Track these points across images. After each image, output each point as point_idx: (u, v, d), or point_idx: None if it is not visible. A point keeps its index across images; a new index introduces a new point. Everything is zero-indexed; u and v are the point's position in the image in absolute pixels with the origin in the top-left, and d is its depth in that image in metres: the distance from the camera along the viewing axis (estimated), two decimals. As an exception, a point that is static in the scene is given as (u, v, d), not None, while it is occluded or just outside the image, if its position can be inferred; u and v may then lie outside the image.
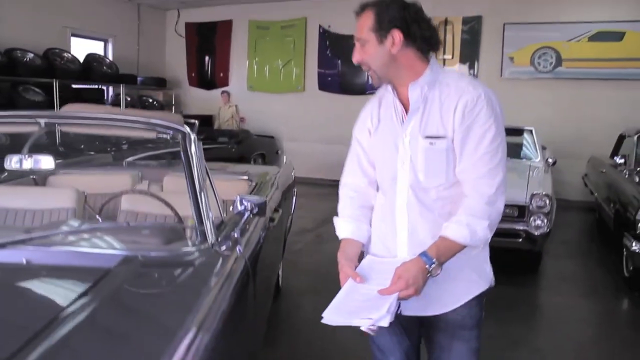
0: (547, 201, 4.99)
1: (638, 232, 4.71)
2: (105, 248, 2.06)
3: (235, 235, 2.34)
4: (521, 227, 5.05)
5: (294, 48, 11.19)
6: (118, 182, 4.01)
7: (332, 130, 10.89)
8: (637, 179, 5.51)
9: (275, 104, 11.43)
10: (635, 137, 6.28)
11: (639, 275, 4.99)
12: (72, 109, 3.17)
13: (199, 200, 2.33)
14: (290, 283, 4.94)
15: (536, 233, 5.00)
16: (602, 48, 9.09)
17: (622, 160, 6.24)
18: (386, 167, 1.93)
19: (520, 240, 5.07)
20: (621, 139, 7.41)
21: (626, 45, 8.98)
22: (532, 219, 5.02)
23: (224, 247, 2.18)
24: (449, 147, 1.79)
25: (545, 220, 4.99)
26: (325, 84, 11.04)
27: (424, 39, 1.82)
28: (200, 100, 12.04)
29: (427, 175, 1.82)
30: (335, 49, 10.85)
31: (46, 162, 2.69)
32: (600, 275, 5.61)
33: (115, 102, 10.55)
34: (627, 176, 5.79)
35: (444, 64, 10.11)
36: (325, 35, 10.90)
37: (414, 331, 2.02)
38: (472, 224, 1.73)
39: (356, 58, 1.96)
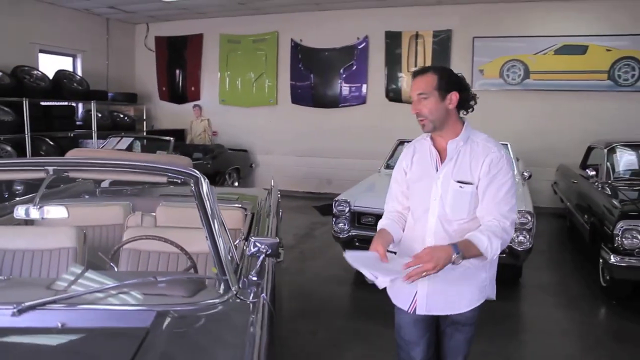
0: (530, 217, 5.15)
1: (615, 245, 4.92)
2: (136, 305, 2.04)
3: (256, 280, 2.37)
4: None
5: (266, 62, 11.21)
6: (110, 214, 3.99)
7: (306, 143, 11.00)
8: (609, 192, 5.75)
9: (248, 117, 11.43)
10: (605, 150, 6.53)
11: (616, 285, 5.21)
12: (77, 154, 3.14)
13: (219, 249, 2.36)
14: (278, 306, 4.95)
15: (519, 249, 5.15)
16: (567, 61, 9.42)
17: (594, 173, 6.48)
18: (421, 200, 2.43)
19: (504, 255, 5.21)
20: (589, 150, 7.69)
21: (589, 58, 9.33)
22: (515, 235, 5.17)
23: (249, 295, 2.20)
24: (474, 192, 2.34)
25: (528, 236, 5.15)
26: (298, 98, 11.10)
27: (466, 102, 2.39)
28: (172, 114, 11.95)
29: (453, 210, 2.35)
30: (308, 63, 10.93)
31: (58, 212, 2.68)
32: (578, 285, 5.82)
33: (86, 119, 10.38)
34: (599, 189, 6.01)
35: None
36: (297, 49, 10.97)
37: (433, 326, 2.54)
38: (491, 237, 2.23)
39: (416, 109, 2.38)
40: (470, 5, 9.72)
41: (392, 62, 10.40)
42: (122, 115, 11.13)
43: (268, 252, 2.61)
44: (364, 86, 10.68)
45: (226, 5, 10.29)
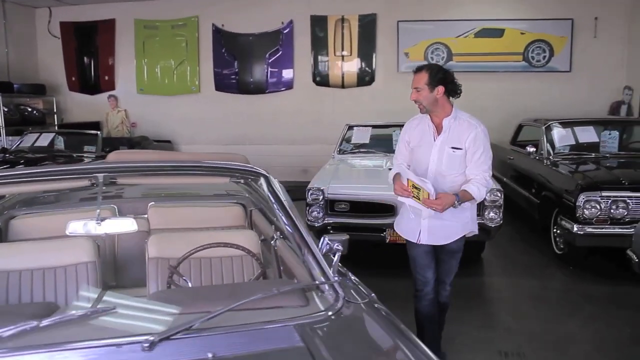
0: (499, 194, 5.41)
1: (577, 215, 5.31)
2: (270, 322, 1.87)
3: (345, 280, 2.29)
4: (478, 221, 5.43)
5: (186, 48, 10.76)
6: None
7: (233, 131, 10.74)
8: (560, 167, 6.18)
9: (169, 106, 10.94)
10: (544, 128, 7.00)
11: (573, 252, 5.64)
12: (118, 157, 2.84)
13: (313, 250, 2.26)
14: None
15: (492, 225, 5.40)
16: (486, 43, 9.94)
17: (534, 149, 6.93)
18: (422, 161, 3.36)
19: (476, 233, 5.45)
20: (520, 127, 8.20)
21: (506, 41, 9.91)
22: (486, 212, 5.41)
23: (354, 296, 2.13)
24: (462, 154, 3.27)
25: (499, 212, 5.41)
26: (222, 84, 10.78)
27: (453, 91, 3.30)
28: (84, 106, 11.14)
29: (448, 167, 3.27)
30: (231, 48, 10.63)
31: (127, 224, 2.41)
32: (532, 255, 6.22)
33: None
34: (549, 165, 6.44)
35: (343, 59, 10.41)
36: (219, 34, 10.62)
37: (434, 256, 3.43)
38: (479, 186, 3.20)
39: (414, 97, 3.32)
40: (393, -11, 9.94)
41: (319, 46, 10.39)
42: (29, 109, 10.20)
43: (339, 248, 2.54)
44: (291, 71, 10.58)
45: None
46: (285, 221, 2.35)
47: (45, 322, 1.71)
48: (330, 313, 1.94)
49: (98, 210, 2.28)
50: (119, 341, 1.68)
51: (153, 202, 3.86)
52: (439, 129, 3.32)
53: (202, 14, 10.60)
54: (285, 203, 2.41)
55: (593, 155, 6.54)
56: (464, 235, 3.43)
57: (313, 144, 10.52)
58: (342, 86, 10.50)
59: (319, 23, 10.27)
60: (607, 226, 5.29)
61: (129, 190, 4.50)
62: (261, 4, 10.33)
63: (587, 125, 7.02)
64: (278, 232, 3.23)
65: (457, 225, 3.39)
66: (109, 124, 10.57)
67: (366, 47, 10.30)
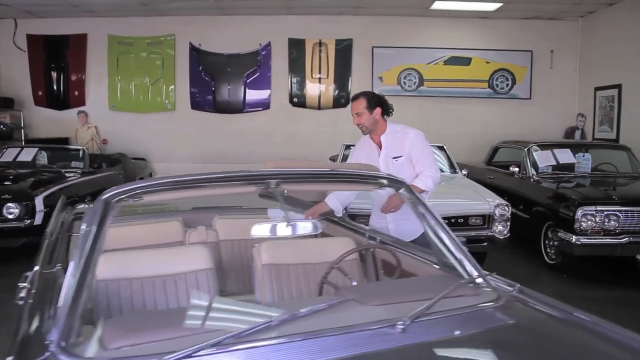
0: (507, 209, 5.89)
1: (575, 227, 5.87)
2: (472, 307, 2.11)
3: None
4: (486, 233, 5.88)
5: (162, 65, 10.73)
6: (168, 231, 3.69)
7: (208, 148, 10.79)
8: (553, 186, 6.77)
9: (143, 124, 10.82)
10: (526, 150, 7.61)
11: (567, 261, 6.20)
12: (276, 165, 2.97)
13: (464, 249, 2.53)
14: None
15: (500, 237, 5.87)
16: (454, 71, 10.61)
17: (517, 169, 7.53)
18: None
19: (486, 244, 5.90)
20: (496, 149, 8.84)
21: (473, 69, 10.63)
22: (494, 225, 5.87)
23: (490, 280, 2.40)
24: (405, 160, 3.74)
25: (506, 225, 5.89)
26: (198, 103, 10.82)
27: (386, 111, 3.87)
28: (51, 121, 10.79)
29: (398, 174, 3.21)
30: (208, 68, 10.72)
31: (307, 227, 2.54)
32: (526, 265, 6.74)
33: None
34: (536, 183, 7.03)
35: (320, 82, 10.75)
36: (196, 53, 10.68)
37: None
38: (424, 180, 3.64)
39: (356, 121, 3.80)
40: (369, 16, 10.42)
41: (296, 68, 10.69)
42: (-4, 123, 9.79)
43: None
44: (268, 92, 10.80)
45: (126, 6, 9.66)
46: (432, 222, 2.59)
47: (280, 318, 1.88)
48: (504, 299, 2.22)
49: (277, 214, 2.43)
50: (372, 327, 1.89)
51: (218, 215, 3.95)
52: (379, 145, 3.84)
53: (179, 32, 10.64)
54: (429, 207, 2.67)
55: (572, 174, 7.22)
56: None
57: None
58: (319, 107, 10.82)
59: (296, 46, 10.59)
60: (600, 237, 5.90)
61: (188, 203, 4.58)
62: (239, 25, 10.52)
63: (564, 147, 7.73)
64: (367, 238, 3.41)
65: (417, 221, 3.76)
66: (78, 140, 10.29)
67: (342, 70, 10.70)
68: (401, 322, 1.86)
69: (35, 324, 2.04)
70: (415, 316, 1.91)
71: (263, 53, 10.67)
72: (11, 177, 7.32)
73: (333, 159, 8.99)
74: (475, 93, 10.69)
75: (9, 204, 6.44)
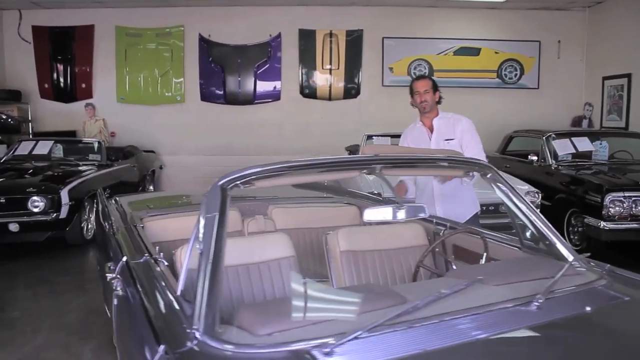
0: (538, 195, 5.98)
1: (603, 213, 5.98)
2: (580, 287, 2.16)
3: None
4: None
5: (171, 57, 10.63)
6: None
7: (218, 140, 10.75)
8: (573, 172, 6.87)
9: (152, 116, 10.73)
10: (544, 139, 7.70)
11: (592, 247, 6.29)
12: (374, 150, 2.98)
13: (557, 233, 2.58)
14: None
15: (533, 224, 5.94)
16: (464, 61, 10.68)
17: (535, 158, 7.62)
18: None
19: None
20: (510, 139, 8.93)
21: (482, 59, 10.71)
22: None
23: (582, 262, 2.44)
24: (456, 144, 3.89)
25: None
26: (208, 95, 10.75)
27: (440, 98, 4.05)
28: (58, 114, 10.65)
29: None
30: (218, 59, 10.65)
31: (418, 210, 2.56)
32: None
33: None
34: (557, 171, 7.13)
35: (330, 73, 10.75)
36: (206, 45, 10.60)
37: None
38: None
39: (423, 97, 3.97)
40: (379, 7, 10.43)
41: (307, 59, 10.67)
42: (4, 117, 9.64)
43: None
44: (279, 83, 10.77)
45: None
46: (523, 208, 2.63)
47: (425, 301, 1.90)
48: (607, 279, 2.28)
49: (381, 194, 2.46)
50: (507, 306, 1.93)
51: (272, 205, 3.97)
52: (431, 129, 4.04)
53: (188, 23, 10.55)
54: (514, 191, 2.70)
55: (592, 162, 7.33)
56: (477, 216, 4.11)
57: (300, 155, 10.71)
58: (329, 98, 10.83)
59: (307, 37, 10.56)
60: (628, 222, 6.03)
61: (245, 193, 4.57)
62: (249, 15, 10.46)
63: (582, 136, 7.84)
64: (434, 224, 3.44)
65: (468, 206, 4.04)
66: (86, 133, 10.18)
67: (353, 61, 10.71)
68: (536, 300, 1.91)
69: (164, 311, 2.05)
70: (547, 293, 1.96)
71: (273, 44, 10.63)
72: (30, 170, 7.24)
73: (350, 149, 9.02)
74: (485, 83, 10.77)
75: (34, 197, 6.37)
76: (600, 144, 7.66)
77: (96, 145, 8.28)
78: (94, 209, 7.05)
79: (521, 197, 2.69)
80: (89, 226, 7.15)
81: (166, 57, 10.63)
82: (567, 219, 6.73)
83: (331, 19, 10.48)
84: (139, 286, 2.39)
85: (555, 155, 7.47)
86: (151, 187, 9.76)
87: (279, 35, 10.62)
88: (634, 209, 5.98)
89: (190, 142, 10.75)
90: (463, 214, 3.92)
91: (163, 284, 2.29)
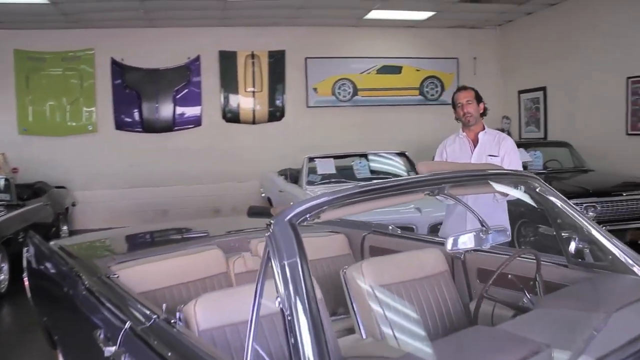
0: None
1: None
2: None
3: None
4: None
5: (81, 84, 9.75)
6: (212, 262, 3.26)
7: (137, 171, 10.00)
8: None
9: (61, 148, 9.75)
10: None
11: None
12: (429, 168, 2.63)
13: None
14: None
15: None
16: (386, 79, 10.73)
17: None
18: None
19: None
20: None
21: (404, 77, 10.82)
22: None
23: None
24: (498, 161, 3.71)
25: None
26: (123, 123, 9.96)
27: (485, 110, 3.96)
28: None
29: None
30: (133, 84, 9.92)
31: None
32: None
33: None
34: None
35: (253, 95, 10.37)
36: (119, 69, 9.84)
37: None
38: None
39: (467, 109, 3.89)
40: (301, 27, 10.23)
41: (228, 82, 10.22)
42: None
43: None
44: (199, 108, 10.21)
45: (37, 16, 8.66)
46: (583, 221, 2.44)
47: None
48: None
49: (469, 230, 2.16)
50: None
51: (256, 238, 3.55)
52: (474, 142, 3.91)
53: (99, 46, 9.74)
54: (565, 200, 2.51)
55: (530, 172, 7.50)
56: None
57: (224, 182, 10.24)
58: (253, 122, 10.43)
59: (227, 59, 10.13)
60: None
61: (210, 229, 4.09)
62: (165, 37, 9.86)
63: (519, 147, 8.01)
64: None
65: (500, 223, 3.73)
66: (-18, 171, 9.05)
67: (276, 82, 10.41)
68: None
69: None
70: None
71: (192, 67, 10.08)
72: None
73: (283, 173, 8.67)
74: (408, 100, 10.87)
75: None
76: (535, 154, 7.88)
77: (3, 182, 7.33)
78: (6, 258, 6.20)
79: (578, 210, 2.50)
80: (1, 277, 6.23)
81: (74, 83, 9.74)
82: (517, 229, 6.79)
83: (252, 39, 10.13)
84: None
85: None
86: (65, 227, 8.80)
87: (198, 58, 10.10)
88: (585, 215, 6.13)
89: (105, 175, 9.87)
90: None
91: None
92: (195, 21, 9.66)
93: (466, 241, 2.04)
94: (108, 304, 2.42)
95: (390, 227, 3.67)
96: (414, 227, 5.32)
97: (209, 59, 10.13)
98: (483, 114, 3.94)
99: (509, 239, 2.20)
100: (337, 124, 10.53)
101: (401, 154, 7.78)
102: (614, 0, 8.15)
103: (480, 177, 2.48)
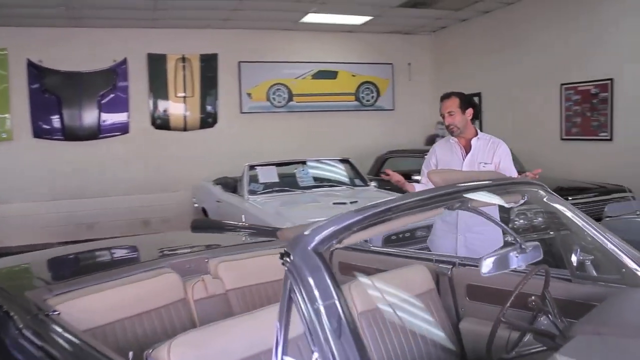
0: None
1: (510, 225, 6.05)
2: None
3: None
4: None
5: (-7, 87, 8.90)
6: (168, 287, 2.88)
7: (58, 183, 9.28)
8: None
9: (-30, 160, 8.86)
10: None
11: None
12: (443, 177, 2.35)
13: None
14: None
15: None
16: (322, 84, 10.53)
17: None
18: None
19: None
20: (384, 160, 8.89)
21: (340, 82, 10.66)
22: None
23: None
24: (492, 169, 3.57)
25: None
26: (42, 131, 9.16)
27: (476, 113, 3.77)
28: None
29: None
30: (53, 88, 9.14)
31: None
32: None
33: None
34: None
35: (185, 101, 9.89)
36: (37, 71, 9.05)
37: None
38: None
39: (449, 120, 3.68)
40: (234, 30, 9.82)
41: (157, 87, 9.66)
42: None
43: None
44: (126, 114, 9.59)
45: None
46: (589, 227, 2.28)
47: None
48: None
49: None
50: None
51: (212, 258, 3.20)
52: (466, 149, 3.73)
53: (13, 46, 8.90)
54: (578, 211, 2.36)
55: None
56: None
57: (154, 193, 9.70)
58: (184, 129, 9.92)
59: (156, 62, 9.57)
60: (531, 234, 6.12)
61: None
62: (88, 38, 9.18)
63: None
64: (434, 261, 2.99)
65: (494, 238, 3.49)
66: None
67: (208, 87, 9.95)
68: None
69: None
70: None
71: (119, 70, 9.45)
72: None
73: (220, 182, 8.26)
74: (344, 106, 10.72)
75: None
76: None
77: None
78: None
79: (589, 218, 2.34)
80: None
81: (-15, 87, 8.89)
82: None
83: (183, 42, 9.63)
84: None
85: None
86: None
87: (124, 61, 9.48)
88: (534, 220, 6.15)
89: (22, 187, 9.05)
90: (490, 246, 3.38)
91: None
92: (122, 21, 9.06)
93: (503, 262, 1.80)
94: (55, 353, 2.02)
95: (361, 241, 3.42)
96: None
97: (136, 62, 9.54)
98: (475, 118, 3.77)
99: (541, 255, 1.99)
100: (273, 130, 10.22)
101: (344, 161, 7.57)
102: (547, 10, 8.34)
103: (495, 187, 2.27)
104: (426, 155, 4.05)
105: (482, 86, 9.78)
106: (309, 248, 1.44)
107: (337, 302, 1.33)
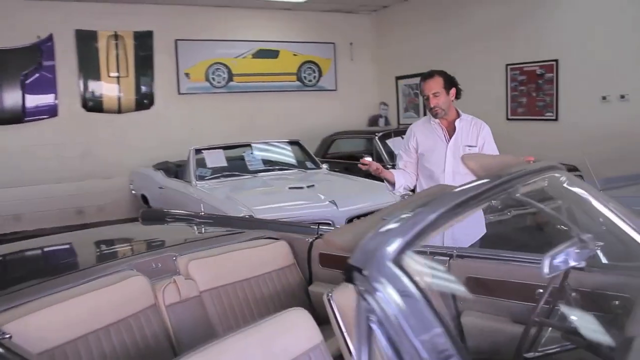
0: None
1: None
2: None
3: None
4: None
5: None
6: (131, 293, 2.55)
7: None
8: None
9: None
10: (377, 139, 7.61)
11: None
12: (478, 164, 2.09)
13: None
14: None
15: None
16: (263, 64, 10.18)
17: (370, 159, 7.44)
18: (437, 162, 3.48)
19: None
20: (331, 142, 8.71)
21: (281, 62, 10.34)
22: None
23: None
24: (476, 151, 3.41)
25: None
26: (-43, 114, 8.36)
27: (459, 93, 3.53)
28: None
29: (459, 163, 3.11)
30: (-31, 67, 8.34)
31: None
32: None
33: None
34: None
35: (118, 81, 9.28)
36: (-51, 49, 8.21)
37: None
38: None
39: (434, 102, 3.43)
40: (170, 6, 9.28)
41: (88, 66, 8.99)
42: None
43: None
44: (53, 95, 8.88)
45: None
46: (614, 213, 2.13)
47: None
48: None
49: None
50: None
51: (180, 256, 2.88)
52: (449, 131, 3.53)
53: None
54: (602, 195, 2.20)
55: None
56: (483, 239, 3.56)
57: (88, 180, 9.10)
58: (119, 111, 9.32)
59: (86, 39, 8.89)
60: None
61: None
62: (7, 11, 8.38)
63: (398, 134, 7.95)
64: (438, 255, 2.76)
65: (477, 225, 3.52)
66: None
67: (144, 67, 9.36)
68: None
69: None
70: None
71: (44, 48, 8.70)
72: None
73: (161, 167, 7.84)
74: (285, 86, 10.42)
75: None
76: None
77: None
78: None
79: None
80: None
81: None
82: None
83: (115, 18, 8.98)
84: None
85: (392, 155, 7.43)
86: None
87: (50, 37, 8.74)
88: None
89: None
90: (472, 234, 3.44)
91: None
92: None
93: (566, 259, 1.61)
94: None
95: (341, 230, 3.21)
96: (330, 222, 4.91)
97: (64, 39, 8.81)
98: (457, 98, 3.55)
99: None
100: (213, 111, 9.81)
101: (294, 143, 7.33)
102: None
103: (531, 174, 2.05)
104: (402, 137, 3.92)
105: (426, 67, 9.33)
106: (390, 261, 1.12)
107: (443, 331, 1.06)
